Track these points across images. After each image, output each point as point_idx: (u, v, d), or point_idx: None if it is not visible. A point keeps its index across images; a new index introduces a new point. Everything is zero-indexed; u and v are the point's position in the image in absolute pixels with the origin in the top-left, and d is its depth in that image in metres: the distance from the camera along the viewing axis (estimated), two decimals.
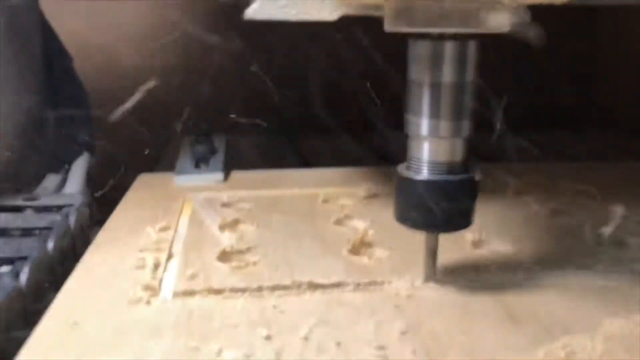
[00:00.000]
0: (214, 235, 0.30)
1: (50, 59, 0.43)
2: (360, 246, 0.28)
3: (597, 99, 0.82)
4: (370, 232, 0.29)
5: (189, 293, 0.24)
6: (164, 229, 0.31)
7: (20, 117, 0.38)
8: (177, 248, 0.28)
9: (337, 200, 0.36)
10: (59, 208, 0.33)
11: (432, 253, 0.25)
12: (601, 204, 0.35)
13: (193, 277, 0.25)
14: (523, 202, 0.36)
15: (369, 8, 0.22)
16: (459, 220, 0.23)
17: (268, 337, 0.21)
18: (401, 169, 0.24)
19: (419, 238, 0.29)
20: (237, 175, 0.41)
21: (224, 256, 0.27)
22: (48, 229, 0.30)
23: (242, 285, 0.24)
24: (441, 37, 0.22)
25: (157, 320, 0.22)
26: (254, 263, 0.26)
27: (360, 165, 0.48)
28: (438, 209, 0.22)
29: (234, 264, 0.26)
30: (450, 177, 0.23)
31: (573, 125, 0.79)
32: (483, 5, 0.20)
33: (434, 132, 0.23)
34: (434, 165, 0.23)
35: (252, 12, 0.24)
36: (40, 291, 0.26)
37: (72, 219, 0.32)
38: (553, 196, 0.36)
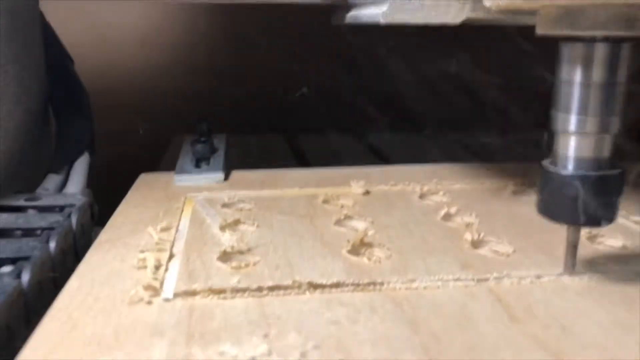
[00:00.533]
0: (215, 236, 0.30)
1: (50, 61, 0.43)
2: (360, 246, 0.28)
3: None
4: (370, 232, 0.30)
5: (190, 293, 0.24)
6: (165, 229, 0.31)
7: (21, 117, 0.38)
8: (178, 248, 0.28)
9: (337, 201, 0.36)
10: (61, 208, 0.33)
11: (573, 247, 0.26)
12: None
13: (194, 277, 0.25)
14: (522, 201, 0.37)
15: (517, 12, 0.24)
16: (603, 214, 0.24)
17: (268, 337, 0.21)
18: (546, 163, 0.25)
19: (418, 238, 0.30)
20: (237, 175, 0.42)
21: (225, 256, 0.27)
22: (50, 229, 0.30)
23: (242, 285, 0.24)
24: (593, 40, 0.23)
25: (158, 320, 0.22)
26: (254, 263, 0.27)
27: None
28: (583, 203, 0.23)
29: (234, 264, 0.26)
30: (597, 173, 0.24)
31: None
32: None
33: (582, 128, 0.23)
34: (580, 161, 0.24)
35: (382, 16, 0.28)
36: (42, 291, 0.26)
37: (73, 219, 0.32)
38: None
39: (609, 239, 0.30)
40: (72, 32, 0.50)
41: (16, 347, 0.20)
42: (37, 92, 0.40)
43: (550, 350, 0.20)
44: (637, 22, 0.21)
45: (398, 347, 0.20)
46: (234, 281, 0.25)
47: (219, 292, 0.24)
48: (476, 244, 0.29)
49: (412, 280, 0.25)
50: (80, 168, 0.41)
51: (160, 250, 0.28)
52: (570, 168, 0.24)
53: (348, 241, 0.28)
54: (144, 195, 0.37)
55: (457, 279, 0.25)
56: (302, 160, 0.56)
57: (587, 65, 0.23)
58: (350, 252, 0.28)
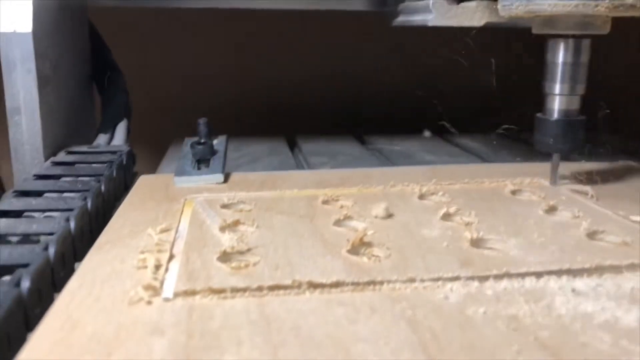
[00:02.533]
0: (215, 236, 0.30)
1: (94, 49, 0.59)
2: (359, 246, 0.28)
3: (596, 99, 0.82)
4: (370, 232, 0.30)
5: (190, 293, 0.24)
6: (165, 230, 0.31)
7: (80, 92, 0.55)
8: (178, 249, 0.28)
9: (336, 201, 0.36)
10: (113, 152, 0.47)
11: (555, 167, 0.39)
12: (599, 205, 0.36)
13: (194, 277, 0.25)
14: (521, 202, 0.37)
15: (519, 18, 0.36)
16: (573, 145, 0.38)
17: (268, 337, 0.21)
18: (539, 114, 0.39)
19: (417, 237, 0.30)
20: (237, 176, 0.42)
21: (225, 256, 0.27)
22: (111, 162, 0.44)
23: (242, 285, 0.24)
24: (566, 36, 0.36)
25: (158, 320, 0.22)
26: (254, 263, 0.27)
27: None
28: (562, 137, 0.38)
29: (234, 264, 0.26)
30: (570, 119, 0.38)
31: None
32: (597, 17, 0.35)
33: (561, 91, 0.37)
34: (560, 112, 0.38)
35: (430, 22, 0.42)
36: (86, 235, 0.33)
37: (124, 158, 0.46)
38: (551, 196, 0.37)
39: (609, 235, 0.30)
40: None
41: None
42: (87, 74, 0.58)
43: (550, 350, 0.20)
44: (591, 25, 0.35)
45: (397, 346, 0.20)
46: (234, 281, 0.25)
47: (219, 292, 0.24)
48: (476, 243, 0.29)
49: (412, 280, 0.25)
50: (121, 129, 0.55)
51: (160, 251, 0.28)
52: (555, 116, 0.38)
53: (347, 241, 0.28)
54: (144, 196, 0.37)
55: (457, 278, 0.25)
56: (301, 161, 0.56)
57: (563, 52, 0.37)
58: (349, 251, 0.28)
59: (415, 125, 0.66)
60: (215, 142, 0.45)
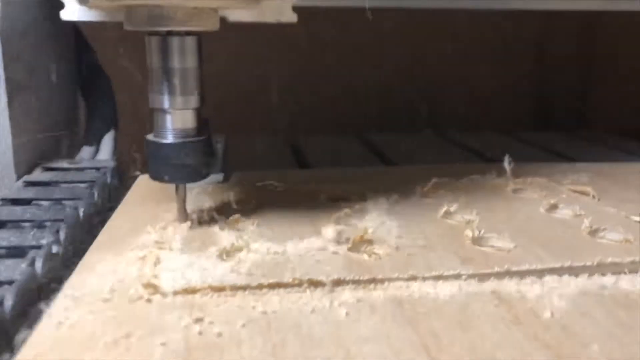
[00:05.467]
0: (214, 234, 0.30)
1: (79, 53, 0.52)
2: (360, 243, 0.28)
3: (596, 99, 0.82)
4: (370, 230, 0.29)
5: (190, 291, 0.24)
6: (164, 228, 0.31)
7: (61, 100, 0.48)
8: (178, 246, 0.28)
9: (337, 200, 0.36)
10: (97, 169, 0.42)
11: (182, 200, 0.31)
12: (600, 204, 0.35)
13: (193, 275, 0.25)
14: (522, 200, 0.37)
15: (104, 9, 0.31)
16: (198, 173, 0.30)
17: (268, 335, 0.21)
18: (150, 137, 0.30)
19: (418, 235, 0.30)
20: (236, 175, 0.41)
21: (224, 254, 0.27)
22: (92, 182, 0.39)
23: (242, 283, 0.24)
24: (169, 34, 0.28)
25: (157, 317, 0.22)
26: (254, 261, 0.26)
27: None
28: (180, 164, 0.30)
29: (234, 262, 0.26)
30: (187, 140, 0.30)
31: (572, 125, 0.79)
32: (190, 10, 0.27)
33: (172, 105, 0.29)
34: (175, 131, 0.30)
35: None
36: (77, 251, 0.30)
37: (108, 176, 0.41)
38: (552, 195, 0.37)
39: (610, 233, 0.30)
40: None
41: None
42: (70, 80, 0.51)
43: (551, 350, 0.20)
44: (195, 18, 0.28)
45: (398, 345, 0.20)
46: (233, 279, 0.24)
47: (219, 289, 0.24)
48: (476, 241, 0.29)
49: (413, 278, 0.25)
50: (108, 141, 0.50)
51: (159, 248, 0.28)
52: (168, 138, 0.29)
53: (348, 238, 0.28)
54: (143, 195, 0.37)
55: (458, 276, 0.25)
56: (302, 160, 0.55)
57: (162, 54, 0.29)
58: (350, 249, 0.28)
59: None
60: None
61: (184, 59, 0.29)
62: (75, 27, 0.51)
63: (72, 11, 0.34)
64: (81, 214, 0.33)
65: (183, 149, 0.29)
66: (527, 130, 0.71)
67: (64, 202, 0.35)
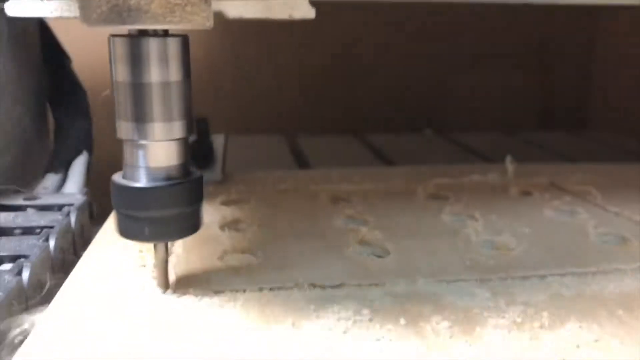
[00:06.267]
0: (215, 235, 0.29)
1: (48, 59, 0.42)
2: (363, 246, 0.28)
3: (596, 99, 0.82)
4: (372, 232, 0.29)
5: (189, 292, 0.23)
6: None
7: (20, 117, 0.38)
8: (177, 247, 0.28)
9: (337, 200, 0.35)
10: (60, 207, 0.33)
11: (163, 263, 0.23)
12: (601, 204, 0.35)
13: (193, 276, 0.25)
14: (525, 201, 0.36)
15: None
16: (186, 225, 0.22)
17: (268, 337, 0.20)
18: (117, 177, 0.22)
19: (421, 237, 0.29)
20: (236, 175, 0.41)
21: (225, 256, 0.27)
22: (49, 227, 0.29)
23: (243, 285, 0.24)
24: (142, 34, 0.20)
25: (156, 318, 0.21)
26: (256, 263, 0.26)
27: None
28: (158, 217, 0.21)
29: (235, 264, 0.26)
30: (168, 183, 0.21)
31: (573, 125, 0.79)
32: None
33: (145, 136, 0.21)
34: (151, 171, 0.21)
35: None
36: (42, 290, 0.25)
37: (72, 218, 0.31)
38: (554, 196, 0.36)
39: (614, 235, 0.30)
40: (68, 30, 0.48)
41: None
42: (35, 91, 0.40)
43: (551, 350, 0.20)
44: (168, 14, 0.19)
45: (399, 345, 0.20)
46: (235, 282, 0.24)
47: (219, 291, 0.23)
48: (479, 243, 0.29)
49: (417, 281, 0.25)
50: (78, 167, 0.40)
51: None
52: (141, 180, 0.21)
53: (350, 241, 0.28)
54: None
55: (461, 279, 0.25)
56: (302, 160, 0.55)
57: (139, 64, 0.20)
58: (353, 251, 0.27)
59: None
60: (213, 140, 0.45)
61: (164, 70, 0.20)
62: (44, 30, 0.43)
63: (20, 5, 0.27)
64: (25, 280, 0.24)
65: (162, 196, 0.21)
66: (528, 130, 0.70)
67: (7, 260, 0.26)
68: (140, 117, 0.21)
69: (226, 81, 0.76)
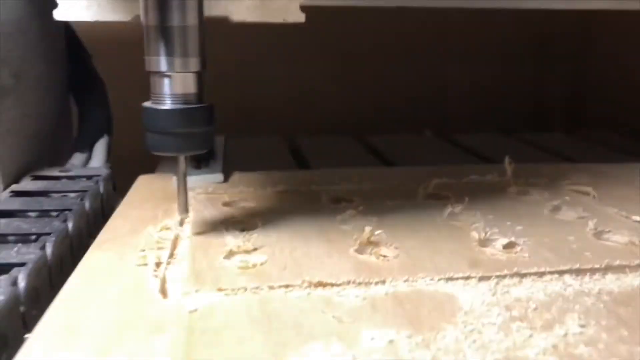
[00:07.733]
0: (220, 235, 0.29)
1: (72, 56, 0.50)
2: (367, 245, 0.28)
3: (594, 99, 0.82)
4: (377, 231, 0.29)
5: (193, 291, 0.23)
6: (166, 228, 0.30)
7: (50, 105, 0.46)
8: (181, 247, 0.28)
9: (339, 201, 0.36)
10: (89, 177, 0.40)
11: (183, 176, 0.29)
12: (601, 205, 0.35)
13: (197, 276, 0.25)
14: (525, 202, 0.36)
15: None
16: (200, 142, 0.28)
17: (274, 336, 0.20)
18: (147, 104, 0.28)
19: (424, 237, 0.29)
20: (237, 176, 0.41)
21: (231, 255, 0.27)
22: (84, 191, 0.37)
23: (249, 284, 0.24)
24: None
25: (160, 318, 0.21)
26: (261, 263, 0.26)
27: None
28: (180, 133, 0.27)
29: (240, 263, 0.26)
30: (187, 106, 0.27)
31: (570, 125, 0.80)
32: None
33: (170, 68, 0.27)
34: (174, 97, 0.27)
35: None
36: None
37: (101, 185, 0.39)
38: (554, 196, 0.36)
39: (615, 235, 0.30)
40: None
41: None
42: (61, 83, 0.48)
43: (551, 349, 0.20)
44: None
45: (401, 346, 0.20)
46: (242, 281, 0.24)
47: (224, 290, 0.23)
48: (483, 243, 0.29)
49: (420, 279, 0.25)
50: (101, 148, 0.48)
51: (161, 249, 0.28)
52: (166, 104, 0.27)
53: (354, 240, 0.28)
54: (143, 196, 0.37)
55: (467, 278, 0.25)
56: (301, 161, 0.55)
57: (164, 10, 0.26)
58: (357, 250, 0.27)
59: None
60: (214, 141, 0.45)
61: (183, 15, 0.26)
62: (68, 30, 0.49)
63: (66, 10, 0.33)
64: (70, 226, 0.31)
65: (183, 116, 0.27)
66: (526, 131, 0.71)
67: (51, 213, 0.33)
68: (166, 52, 0.26)
69: (227, 83, 0.76)
